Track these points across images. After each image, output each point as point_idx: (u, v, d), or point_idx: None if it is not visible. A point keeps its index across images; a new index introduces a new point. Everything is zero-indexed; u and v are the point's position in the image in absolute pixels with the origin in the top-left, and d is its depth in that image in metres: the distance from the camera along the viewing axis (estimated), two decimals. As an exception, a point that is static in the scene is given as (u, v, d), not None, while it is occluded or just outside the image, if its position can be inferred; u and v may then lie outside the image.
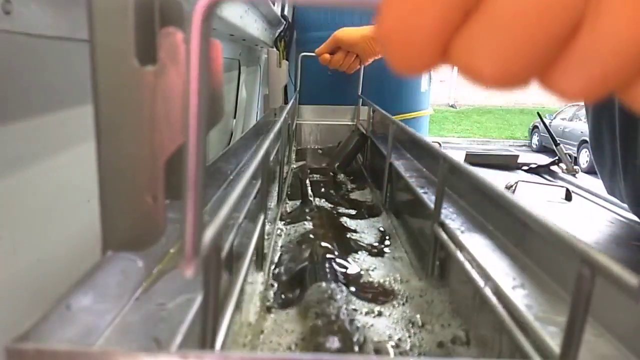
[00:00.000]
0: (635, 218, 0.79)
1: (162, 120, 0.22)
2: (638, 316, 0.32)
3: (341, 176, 1.18)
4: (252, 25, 1.18)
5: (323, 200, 0.97)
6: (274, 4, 1.35)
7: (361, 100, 1.49)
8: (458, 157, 0.52)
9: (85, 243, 0.51)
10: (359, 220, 0.84)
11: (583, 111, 7.08)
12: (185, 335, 0.28)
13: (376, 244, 0.73)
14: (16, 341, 0.22)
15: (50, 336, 0.24)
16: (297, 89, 1.53)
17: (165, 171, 0.24)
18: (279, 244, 0.71)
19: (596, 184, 0.93)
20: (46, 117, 0.45)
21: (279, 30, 1.61)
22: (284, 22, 1.62)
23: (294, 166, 1.26)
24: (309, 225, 0.77)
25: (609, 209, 0.88)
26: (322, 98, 1.57)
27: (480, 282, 0.39)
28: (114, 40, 0.20)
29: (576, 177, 1.23)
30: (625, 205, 0.85)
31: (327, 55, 1.38)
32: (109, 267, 0.30)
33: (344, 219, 0.85)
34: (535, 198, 1.00)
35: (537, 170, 1.29)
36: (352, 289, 0.56)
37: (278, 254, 0.67)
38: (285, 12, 1.66)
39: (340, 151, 1.19)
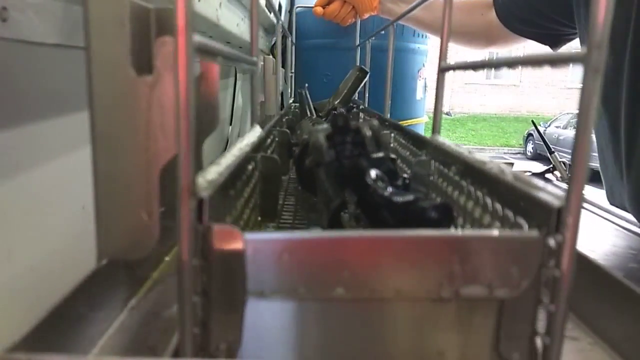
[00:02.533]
0: (630, 227, 0.79)
1: (158, 129, 0.22)
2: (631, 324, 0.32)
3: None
4: (249, 32, 1.18)
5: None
6: (270, 12, 1.36)
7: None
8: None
9: (81, 250, 0.50)
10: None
11: (577, 119, 7.12)
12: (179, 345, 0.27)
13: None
14: (9, 351, 0.22)
15: (44, 345, 0.24)
16: (294, 43, 1.51)
17: (160, 180, 0.24)
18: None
19: (591, 192, 0.93)
20: (41, 123, 0.45)
21: (275, 38, 1.62)
22: (281, 30, 1.63)
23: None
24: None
25: (603, 217, 0.88)
26: (319, 105, 1.58)
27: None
28: (110, 50, 0.20)
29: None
30: (622, 213, 0.85)
31: (319, 9, 1.34)
32: (104, 276, 0.30)
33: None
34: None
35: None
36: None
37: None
38: (282, 20, 1.66)
39: (340, 89, 1.19)
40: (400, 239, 0.24)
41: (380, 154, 0.39)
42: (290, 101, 1.28)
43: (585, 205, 0.93)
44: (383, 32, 0.98)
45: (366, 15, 1.35)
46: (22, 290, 0.42)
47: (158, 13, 0.26)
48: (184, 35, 0.19)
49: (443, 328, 0.25)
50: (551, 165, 1.30)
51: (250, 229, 0.40)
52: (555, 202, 0.24)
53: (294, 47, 1.56)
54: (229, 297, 0.23)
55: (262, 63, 1.47)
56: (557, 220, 0.23)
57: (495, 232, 0.26)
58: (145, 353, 0.27)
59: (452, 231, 0.25)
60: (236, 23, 1.01)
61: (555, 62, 0.25)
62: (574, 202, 0.23)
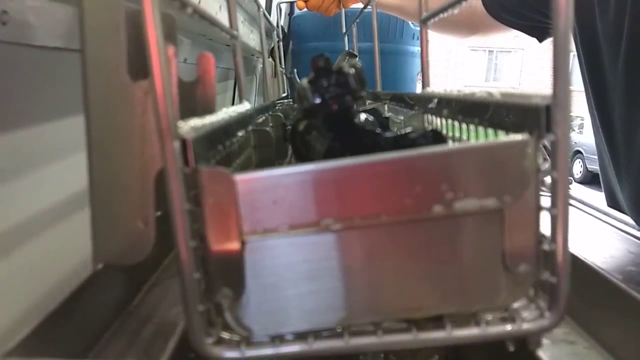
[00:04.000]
0: (629, 229, 0.79)
1: (153, 135, 0.22)
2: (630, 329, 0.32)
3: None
4: (248, 35, 1.18)
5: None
6: (270, 15, 1.36)
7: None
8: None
9: (81, 251, 0.50)
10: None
11: (576, 121, 7.10)
12: (175, 349, 0.28)
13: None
14: (4, 356, 0.22)
15: (40, 350, 0.24)
16: (280, 39, 1.51)
17: (155, 184, 0.24)
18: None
19: (590, 195, 0.93)
20: (42, 126, 0.45)
21: (275, 41, 1.62)
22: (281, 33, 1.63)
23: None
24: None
25: (603, 221, 0.88)
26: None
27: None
28: (105, 54, 0.20)
29: (569, 188, 1.23)
30: (621, 216, 0.85)
31: (301, 3, 1.34)
32: (101, 280, 0.30)
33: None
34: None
35: (531, 181, 1.29)
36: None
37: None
38: (282, 23, 1.66)
39: None
40: (390, 161, 0.23)
41: (372, 106, 0.39)
42: (283, 95, 1.28)
43: (583, 207, 0.93)
44: (366, 9, 0.98)
45: (351, 4, 1.33)
46: (21, 292, 0.42)
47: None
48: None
49: (446, 247, 0.24)
50: (550, 168, 1.30)
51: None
52: (543, 102, 0.23)
53: (280, 44, 1.56)
54: (225, 240, 0.22)
55: (261, 66, 1.48)
56: (548, 120, 0.23)
57: (486, 142, 0.25)
58: (142, 357, 0.27)
59: (442, 147, 0.24)
60: (236, 26, 1.01)
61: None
62: (561, 95, 0.22)
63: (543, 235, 0.24)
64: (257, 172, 0.23)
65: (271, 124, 0.69)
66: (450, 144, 0.37)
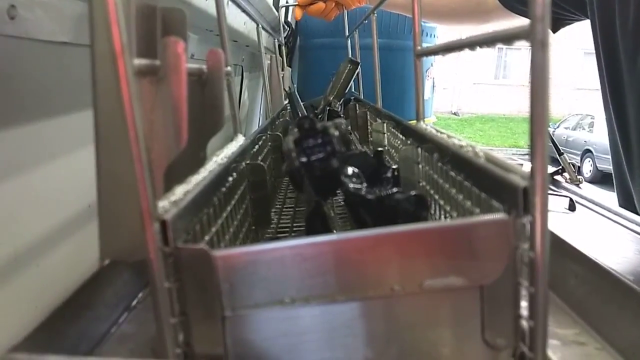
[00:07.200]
0: (638, 229, 0.78)
1: (161, 130, 0.22)
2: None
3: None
4: (255, 31, 1.18)
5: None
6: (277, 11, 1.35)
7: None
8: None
9: (86, 248, 0.50)
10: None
11: (587, 120, 7.04)
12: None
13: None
14: (10, 351, 0.22)
15: (46, 346, 0.24)
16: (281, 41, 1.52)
17: (165, 180, 0.24)
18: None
19: (600, 194, 0.92)
20: (49, 121, 0.45)
21: (282, 37, 1.61)
22: (288, 29, 1.62)
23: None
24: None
25: (613, 220, 0.87)
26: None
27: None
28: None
29: (580, 187, 1.22)
30: (633, 217, 0.84)
31: (298, 12, 1.32)
32: (107, 276, 0.30)
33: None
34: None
35: (540, 180, 1.28)
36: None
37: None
38: (289, 19, 1.66)
39: (334, 83, 1.18)
40: (368, 237, 0.24)
41: (359, 150, 0.40)
42: (285, 102, 1.28)
43: (595, 207, 0.92)
44: (366, 21, 0.98)
45: (353, 7, 1.31)
46: (28, 288, 0.42)
47: (165, 12, 0.26)
48: (122, 59, 0.19)
49: (427, 322, 0.25)
50: (560, 167, 1.29)
51: (242, 239, 0.39)
52: (521, 183, 0.23)
53: (284, 53, 1.56)
54: (206, 316, 0.23)
55: (269, 62, 1.48)
56: (525, 202, 0.23)
57: (464, 220, 0.25)
58: (147, 354, 0.27)
59: (420, 225, 0.25)
60: (243, 22, 1.01)
61: (502, 39, 0.25)
62: (538, 180, 0.22)
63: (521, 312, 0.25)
64: (236, 248, 0.24)
65: (270, 144, 0.70)
66: (428, 223, 0.38)
